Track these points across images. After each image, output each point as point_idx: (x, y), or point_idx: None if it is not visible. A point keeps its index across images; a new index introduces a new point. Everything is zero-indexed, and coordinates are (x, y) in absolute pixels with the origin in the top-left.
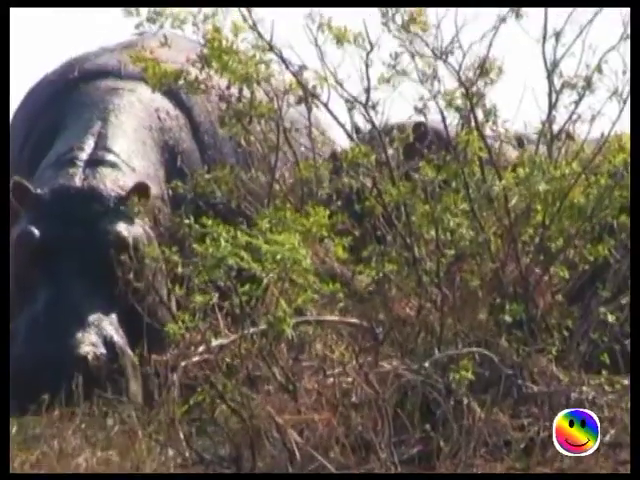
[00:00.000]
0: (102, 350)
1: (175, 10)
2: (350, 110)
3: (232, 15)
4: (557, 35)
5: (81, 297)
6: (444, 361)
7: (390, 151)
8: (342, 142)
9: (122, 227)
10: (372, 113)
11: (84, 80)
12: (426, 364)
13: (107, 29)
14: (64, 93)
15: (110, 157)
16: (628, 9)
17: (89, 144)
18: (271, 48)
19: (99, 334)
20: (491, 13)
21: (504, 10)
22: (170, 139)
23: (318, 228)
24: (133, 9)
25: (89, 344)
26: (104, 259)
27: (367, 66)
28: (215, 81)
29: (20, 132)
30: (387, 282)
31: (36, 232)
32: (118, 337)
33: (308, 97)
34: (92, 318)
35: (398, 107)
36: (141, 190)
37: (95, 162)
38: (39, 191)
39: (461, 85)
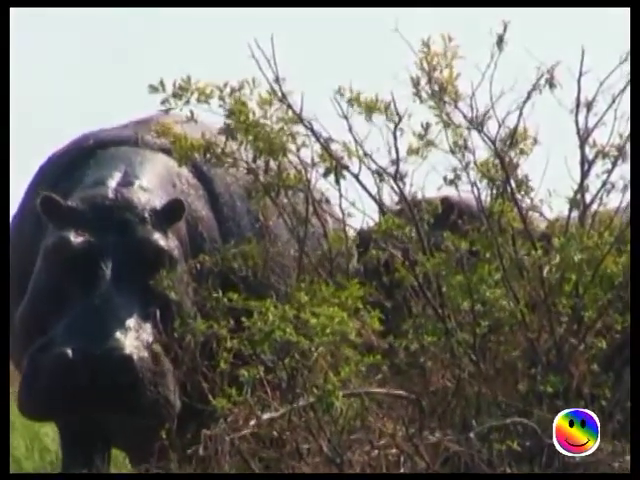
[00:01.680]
0: (144, 354)
1: (200, 85)
2: (380, 182)
3: (260, 88)
4: (589, 104)
5: (119, 303)
6: (484, 432)
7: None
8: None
9: (158, 236)
10: (401, 185)
11: (101, 148)
12: (471, 434)
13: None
14: (81, 159)
15: (140, 182)
16: None
17: (117, 174)
18: (300, 120)
19: (139, 338)
20: (525, 82)
21: (538, 81)
22: (190, 203)
23: (353, 300)
24: (158, 85)
25: (132, 346)
26: (141, 267)
27: (395, 138)
28: (239, 154)
29: (34, 208)
30: (424, 354)
31: (72, 239)
32: (157, 345)
33: (338, 169)
34: (131, 323)
35: (426, 178)
36: (176, 207)
37: (126, 184)
38: (70, 203)
39: (496, 155)
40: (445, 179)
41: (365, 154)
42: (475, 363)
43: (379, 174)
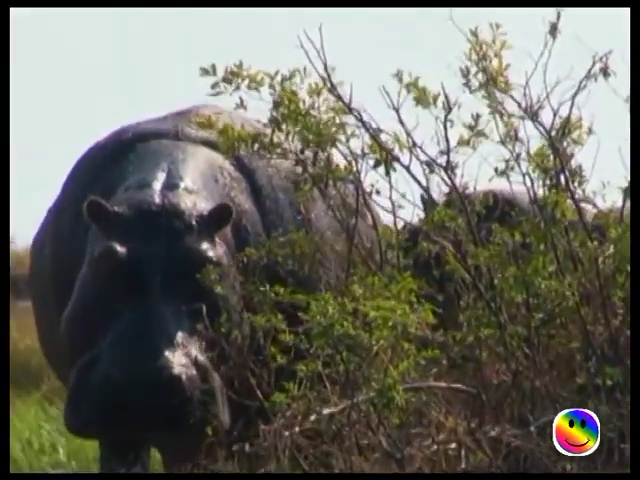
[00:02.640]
0: (193, 372)
1: (252, 71)
2: (430, 173)
3: (311, 77)
4: None
5: (167, 316)
6: (541, 426)
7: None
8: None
9: (206, 246)
10: (452, 176)
11: (141, 141)
12: (531, 428)
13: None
14: (120, 154)
15: (185, 184)
16: None
17: (161, 175)
18: (350, 110)
19: (188, 355)
20: (581, 70)
21: (594, 69)
22: (234, 197)
23: (406, 293)
24: (209, 68)
25: (180, 365)
26: (189, 278)
27: (446, 128)
28: (288, 145)
29: (74, 199)
30: (479, 347)
31: (119, 249)
32: (205, 359)
33: (388, 160)
34: (179, 338)
35: (477, 170)
36: (223, 212)
37: (171, 186)
38: (117, 208)
39: (551, 145)
40: (496, 170)
41: (414, 144)
42: (529, 356)
43: (429, 165)
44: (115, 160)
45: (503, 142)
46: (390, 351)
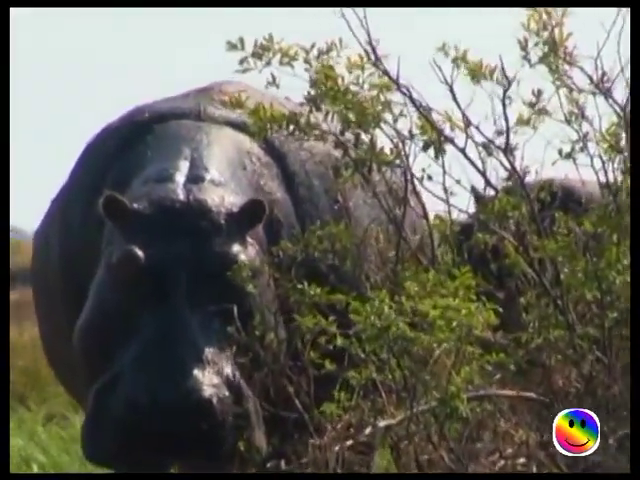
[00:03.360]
0: (225, 392)
1: (284, 45)
2: (488, 155)
3: (348, 50)
4: None
5: (195, 328)
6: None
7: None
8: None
9: (237, 249)
10: (511, 159)
11: (158, 121)
12: (610, 441)
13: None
14: (135, 137)
15: (211, 176)
16: None
17: (184, 165)
18: (398, 87)
19: (219, 373)
20: None
21: None
22: (264, 185)
23: (465, 291)
24: (237, 42)
25: (211, 385)
26: (217, 285)
27: (504, 105)
28: (327, 126)
29: (85, 187)
30: (548, 350)
31: (140, 253)
32: (238, 376)
33: (441, 141)
34: (209, 353)
35: (538, 152)
36: (255, 209)
37: (196, 179)
38: (136, 206)
39: (626, 124)
40: (560, 152)
41: (469, 124)
42: (601, 360)
43: (485, 147)
44: (130, 144)
45: (568, 121)
46: (453, 355)
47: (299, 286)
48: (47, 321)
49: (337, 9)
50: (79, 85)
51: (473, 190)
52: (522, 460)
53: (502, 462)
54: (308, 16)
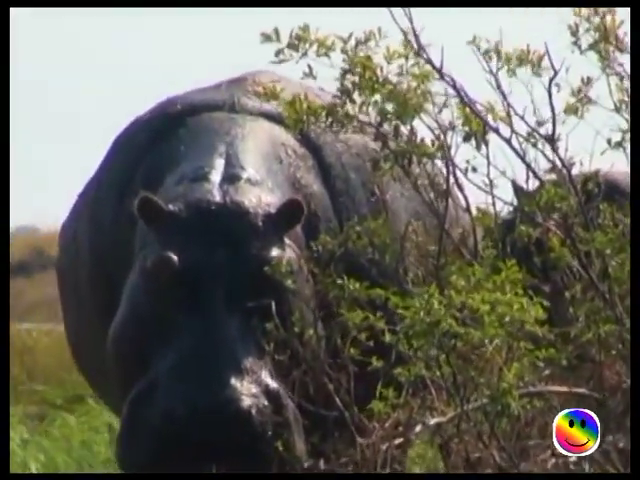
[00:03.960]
0: (264, 402)
1: (320, 36)
2: (533, 146)
3: (389, 41)
4: None
5: (232, 335)
6: None
7: None
8: None
9: (276, 252)
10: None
11: (191, 114)
12: None
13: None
14: (168, 130)
15: (247, 175)
16: None
17: (219, 162)
18: (441, 76)
19: (258, 382)
20: None
21: None
22: (300, 178)
23: (512, 285)
24: (273, 34)
25: (250, 395)
26: (256, 290)
27: (550, 94)
28: (366, 117)
29: (116, 182)
30: (599, 345)
31: (175, 258)
32: (276, 385)
33: (483, 132)
34: (247, 362)
35: (585, 142)
36: (294, 210)
37: (232, 178)
38: (172, 207)
39: None
40: (609, 142)
41: (512, 114)
42: None
43: (530, 137)
44: (162, 137)
45: (618, 109)
46: (505, 351)
47: (339, 281)
48: (76, 322)
49: None
50: (79, 85)
51: (514, 184)
52: (574, 459)
53: (553, 460)
54: (341, 10)
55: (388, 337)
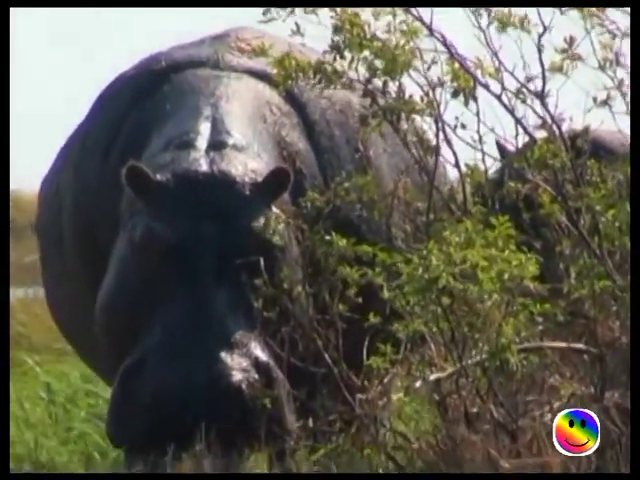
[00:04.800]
0: (254, 375)
1: None
2: (522, 103)
3: None
4: None
5: (221, 308)
6: None
7: None
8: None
9: (263, 222)
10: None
11: (175, 71)
12: None
13: None
14: (153, 86)
15: (233, 141)
16: None
17: (205, 127)
18: (431, 32)
19: (248, 355)
20: None
21: None
22: (285, 136)
23: (505, 241)
24: None
25: (240, 369)
26: (244, 263)
27: (540, 51)
28: (354, 74)
29: (101, 138)
30: (593, 301)
31: (164, 232)
32: (267, 358)
33: (472, 88)
34: (238, 335)
35: (569, 100)
36: (280, 179)
37: (218, 145)
38: (159, 177)
39: None
40: (595, 100)
41: (500, 69)
42: None
43: (519, 93)
44: (147, 94)
45: (602, 68)
46: (503, 307)
47: (327, 238)
48: (58, 283)
49: None
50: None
51: (498, 143)
52: None
53: (549, 416)
54: None
55: (387, 293)
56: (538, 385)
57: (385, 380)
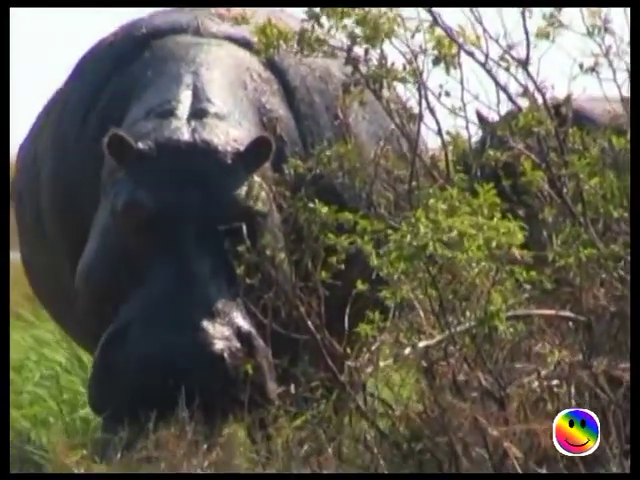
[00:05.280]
0: (236, 344)
1: None
2: (506, 70)
3: None
4: None
5: (204, 277)
6: None
7: None
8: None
9: (245, 191)
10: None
11: (155, 37)
12: None
13: None
14: (133, 52)
15: (215, 109)
16: None
17: (186, 95)
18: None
19: (230, 324)
20: None
21: None
22: (266, 103)
23: (490, 208)
24: None
25: (222, 338)
26: (227, 231)
27: (524, 17)
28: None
29: (80, 104)
30: (580, 269)
31: (146, 200)
32: (249, 327)
33: (456, 55)
34: (219, 304)
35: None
36: (262, 147)
37: (200, 113)
38: (141, 146)
39: None
40: (581, 67)
41: (486, 38)
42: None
43: (503, 60)
44: (127, 60)
45: (590, 34)
46: (492, 275)
47: (310, 205)
48: (34, 250)
49: None
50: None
51: (478, 113)
52: (555, 382)
53: (536, 384)
54: None
55: (376, 261)
56: (524, 353)
57: (373, 348)
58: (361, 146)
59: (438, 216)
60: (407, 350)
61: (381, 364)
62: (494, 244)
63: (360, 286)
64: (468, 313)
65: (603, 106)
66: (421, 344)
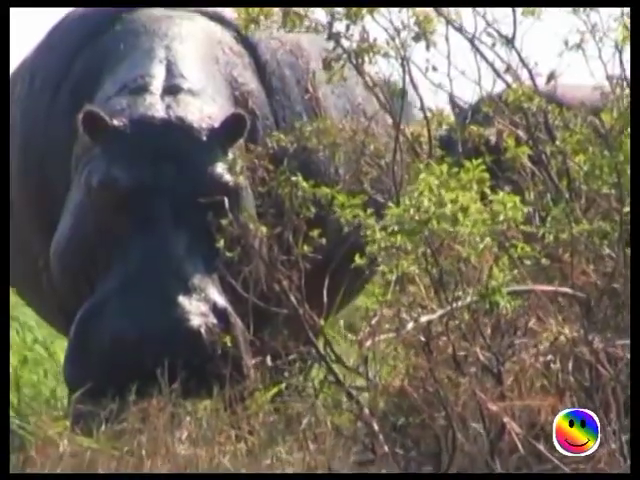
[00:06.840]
0: (213, 320)
1: None
2: (491, 48)
3: None
4: None
5: (180, 253)
6: None
7: None
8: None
9: (221, 168)
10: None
11: (127, 11)
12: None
13: None
14: (104, 25)
15: (188, 85)
16: None
17: (159, 70)
18: None
19: (206, 300)
20: None
21: None
22: (238, 77)
23: (480, 184)
24: None
25: (199, 314)
26: (202, 207)
27: None
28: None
29: (50, 76)
30: (572, 246)
31: (121, 177)
32: (225, 303)
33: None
34: (196, 280)
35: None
36: (237, 123)
37: (173, 89)
38: (116, 123)
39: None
40: (566, 43)
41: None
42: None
43: (489, 36)
44: (98, 32)
45: (575, 10)
46: (495, 250)
47: (293, 178)
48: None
49: None
50: None
51: (451, 98)
52: (549, 357)
53: (532, 359)
54: None
55: (379, 235)
56: (522, 328)
57: (373, 322)
58: (331, 120)
59: (442, 190)
60: (410, 325)
61: (382, 337)
62: (501, 217)
63: (358, 260)
64: (466, 288)
65: (573, 93)
66: (423, 319)
